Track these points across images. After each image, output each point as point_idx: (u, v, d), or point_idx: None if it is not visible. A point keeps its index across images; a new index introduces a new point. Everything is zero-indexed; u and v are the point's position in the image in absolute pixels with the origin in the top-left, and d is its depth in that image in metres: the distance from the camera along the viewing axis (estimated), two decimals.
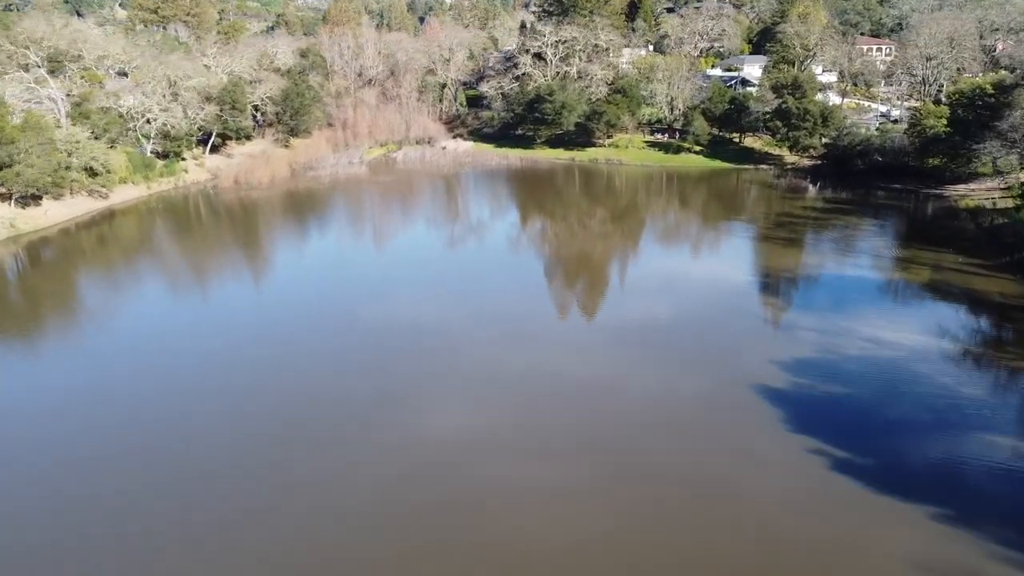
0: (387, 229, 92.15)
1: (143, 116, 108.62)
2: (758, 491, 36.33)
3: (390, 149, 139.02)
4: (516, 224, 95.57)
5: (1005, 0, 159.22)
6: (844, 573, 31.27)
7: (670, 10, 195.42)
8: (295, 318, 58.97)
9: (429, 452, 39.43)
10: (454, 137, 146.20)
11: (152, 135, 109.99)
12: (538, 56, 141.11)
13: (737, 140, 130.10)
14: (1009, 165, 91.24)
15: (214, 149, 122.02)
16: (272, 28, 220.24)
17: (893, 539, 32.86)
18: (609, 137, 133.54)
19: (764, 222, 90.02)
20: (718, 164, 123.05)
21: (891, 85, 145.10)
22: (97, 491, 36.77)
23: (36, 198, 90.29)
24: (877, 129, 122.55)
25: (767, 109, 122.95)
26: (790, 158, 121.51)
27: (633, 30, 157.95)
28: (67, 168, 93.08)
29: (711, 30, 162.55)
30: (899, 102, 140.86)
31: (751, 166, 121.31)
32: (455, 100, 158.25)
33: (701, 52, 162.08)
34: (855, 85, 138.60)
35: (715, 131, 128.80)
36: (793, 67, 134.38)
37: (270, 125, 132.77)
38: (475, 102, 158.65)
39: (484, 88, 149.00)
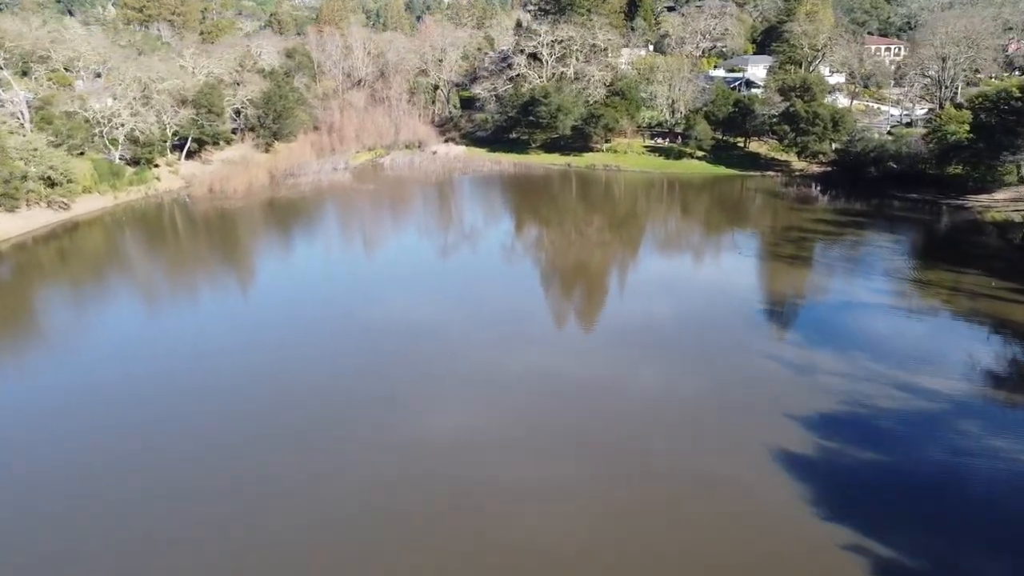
0: (363, 245, 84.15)
1: (110, 121, 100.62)
2: None
3: (379, 154, 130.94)
4: (507, 237, 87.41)
5: None
6: None
7: (670, 9, 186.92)
8: (248, 354, 51.20)
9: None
10: (446, 141, 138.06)
11: (121, 141, 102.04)
12: (533, 56, 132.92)
13: (742, 145, 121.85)
14: None
15: (190, 155, 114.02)
16: (265, 27, 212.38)
17: None
18: (607, 141, 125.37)
19: (772, 237, 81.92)
20: (722, 170, 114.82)
21: (902, 87, 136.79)
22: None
23: None
24: (889, 133, 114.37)
25: (774, 112, 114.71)
26: (798, 164, 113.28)
27: (632, 29, 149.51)
28: (23, 178, 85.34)
29: (713, 29, 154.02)
30: (911, 104, 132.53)
31: (757, 173, 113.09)
32: (448, 102, 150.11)
33: (703, 52, 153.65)
34: (866, 87, 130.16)
35: (718, 135, 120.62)
36: (800, 68, 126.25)
37: (252, 129, 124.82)
38: (469, 104, 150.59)
39: (477, 90, 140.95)
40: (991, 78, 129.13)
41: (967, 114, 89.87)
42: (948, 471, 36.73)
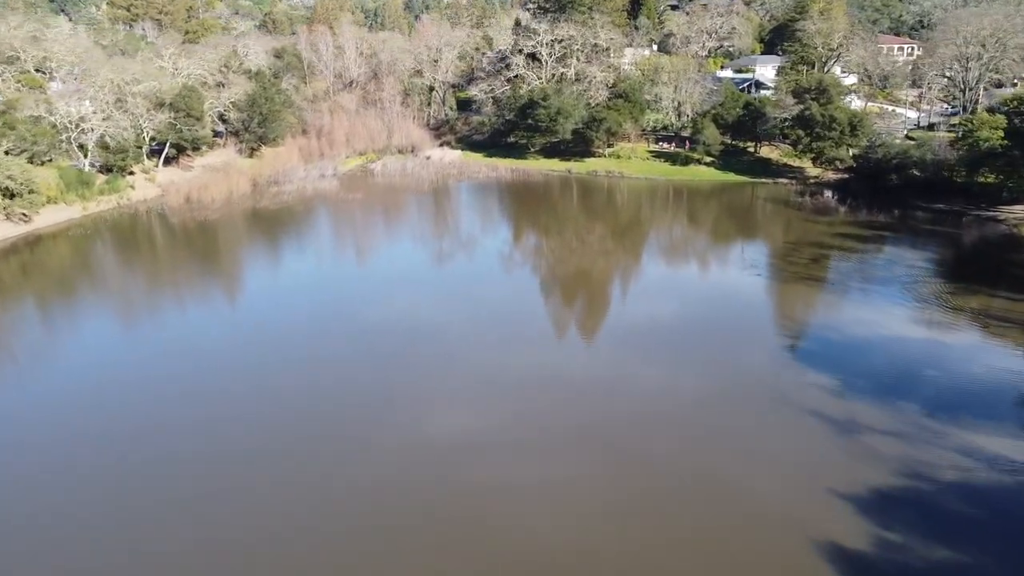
0: (342, 264, 76.13)
1: (77, 126, 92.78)
2: None
3: (370, 159, 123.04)
4: (503, 252, 79.31)
5: None
6: None
7: (674, 7, 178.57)
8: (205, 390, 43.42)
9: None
10: (440, 145, 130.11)
11: (91, 147, 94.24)
12: (532, 57, 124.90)
13: (752, 150, 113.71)
14: None
15: (168, 161, 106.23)
16: (261, 27, 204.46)
17: None
18: (610, 146, 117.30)
19: (788, 253, 73.73)
20: (731, 177, 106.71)
21: (918, 88, 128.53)
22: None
23: None
24: (909, 138, 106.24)
25: (786, 116, 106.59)
26: (812, 171, 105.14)
27: (636, 28, 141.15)
28: None
29: (720, 28, 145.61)
30: (928, 107, 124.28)
31: (768, 180, 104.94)
32: (443, 104, 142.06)
33: (709, 52, 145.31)
34: (883, 89, 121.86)
35: (727, 140, 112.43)
36: (813, 68, 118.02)
37: (235, 134, 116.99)
38: (466, 105, 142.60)
39: (474, 91, 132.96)
40: (1014, 81, 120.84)
41: (1001, 119, 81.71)
42: None
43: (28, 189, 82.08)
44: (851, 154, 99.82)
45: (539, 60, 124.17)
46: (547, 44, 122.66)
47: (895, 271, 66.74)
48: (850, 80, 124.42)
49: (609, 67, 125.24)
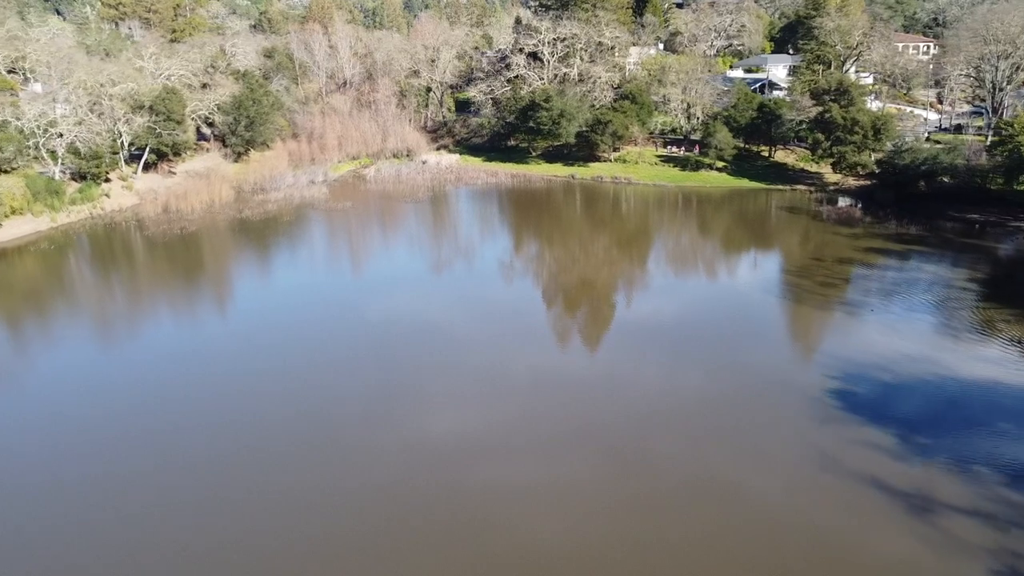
0: (317, 288, 68.49)
1: (46, 131, 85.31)
2: None
3: (363, 163, 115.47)
4: (501, 274, 71.73)
5: None
6: None
7: (679, 5, 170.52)
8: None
9: None
10: (438, 148, 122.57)
11: (61, 154, 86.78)
12: (534, 56, 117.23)
13: (766, 154, 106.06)
14: None
15: (148, 167, 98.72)
16: (255, 27, 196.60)
17: None
18: (615, 150, 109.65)
19: (814, 271, 65.85)
20: (745, 183, 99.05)
21: (938, 88, 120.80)
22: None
23: None
24: (936, 141, 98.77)
25: (803, 118, 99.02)
26: (832, 177, 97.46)
27: (642, 26, 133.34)
28: None
29: (729, 26, 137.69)
30: (949, 108, 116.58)
31: (785, 187, 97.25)
32: (441, 105, 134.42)
33: (718, 51, 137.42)
34: (907, 91, 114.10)
35: (739, 144, 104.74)
36: (829, 68, 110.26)
37: (221, 138, 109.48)
38: (465, 106, 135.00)
39: (472, 92, 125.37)
40: None
41: None
42: None
43: None
44: (874, 159, 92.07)
45: (541, 60, 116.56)
46: (549, 43, 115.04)
47: (937, 293, 59.03)
48: (865, 80, 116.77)
49: (614, 67, 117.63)
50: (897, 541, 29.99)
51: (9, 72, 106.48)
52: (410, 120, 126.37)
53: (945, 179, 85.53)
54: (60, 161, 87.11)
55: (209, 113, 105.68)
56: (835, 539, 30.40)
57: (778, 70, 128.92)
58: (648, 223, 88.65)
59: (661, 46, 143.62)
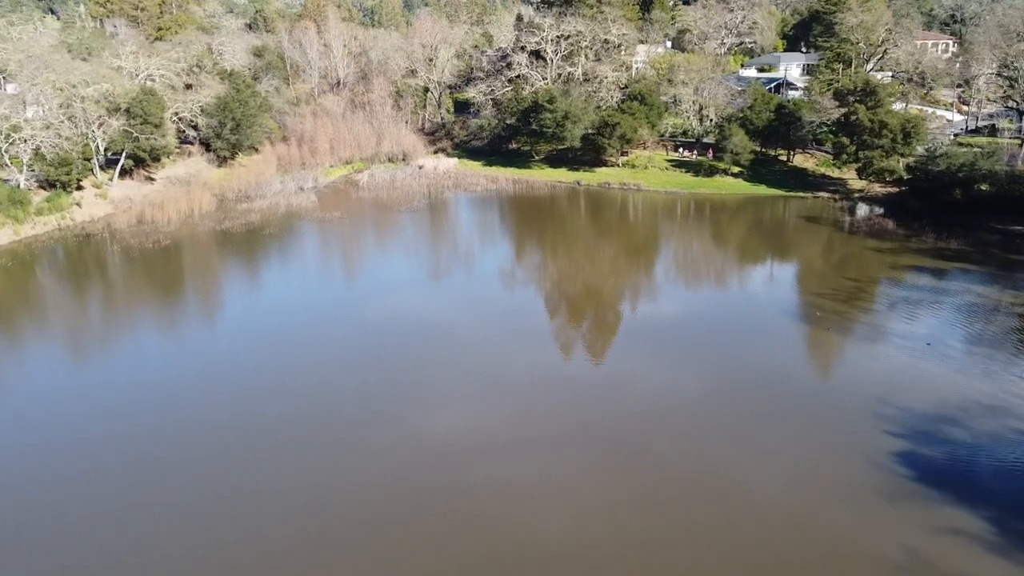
0: (287, 323, 60.61)
1: (8, 136, 77.52)
2: None
3: (357, 168, 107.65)
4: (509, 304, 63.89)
5: None
6: None
7: (686, 2, 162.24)
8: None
9: None
10: (435, 152, 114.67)
11: (26, 161, 79.01)
12: (536, 55, 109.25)
13: (784, 159, 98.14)
14: None
15: (125, 173, 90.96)
16: (250, 26, 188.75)
17: None
18: (623, 155, 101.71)
19: (852, 294, 57.84)
20: (762, 190, 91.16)
21: (957, 87, 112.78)
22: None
23: None
24: (959, 143, 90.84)
25: (825, 120, 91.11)
26: (856, 183, 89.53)
27: (651, 23, 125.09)
28: None
29: (740, 23, 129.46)
30: (975, 109, 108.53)
31: (806, 194, 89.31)
32: (439, 106, 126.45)
33: (729, 49, 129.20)
34: (928, 91, 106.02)
35: (756, 147, 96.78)
36: (848, 66, 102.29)
37: (206, 141, 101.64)
38: (464, 107, 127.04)
39: (472, 93, 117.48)
40: None
41: None
42: None
43: None
44: (903, 164, 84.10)
45: (544, 58, 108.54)
46: (552, 41, 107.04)
47: (1000, 323, 51.14)
48: (884, 79, 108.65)
49: (621, 66, 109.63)
50: None
51: None
52: (406, 122, 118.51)
53: (983, 187, 77.56)
54: (26, 168, 79.41)
55: (192, 115, 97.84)
56: None
57: (792, 69, 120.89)
58: (660, 235, 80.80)
59: (669, 44, 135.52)
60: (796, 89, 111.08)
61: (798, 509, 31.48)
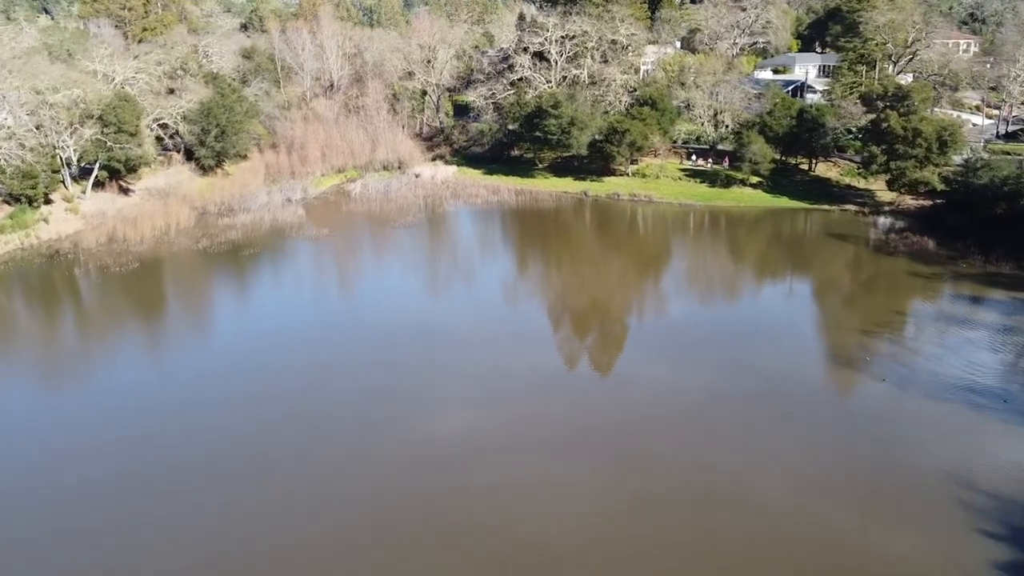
0: (250, 373, 52.90)
1: None
2: None
3: (350, 176, 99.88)
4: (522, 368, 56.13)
5: None
6: None
7: (694, 0, 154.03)
8: None
9: None
10: (433, 159, 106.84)
11: None
12: (539, 56, 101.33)
13: (806, 168, 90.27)
14: None
15: (100, 185, 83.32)
16: (244, 26, 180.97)
17: None
18: (633, 163, 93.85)
19: (897, 330, 50.38)
20: (784, 202, 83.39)
21: (979, 89, 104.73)
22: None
23: None
24: (990, 149, 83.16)
25: (851, 127, 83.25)
26: (885, 195, 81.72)
27: (664, 22, 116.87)
28: None
29: (753, 22, 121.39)
30: (1005, 113, 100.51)
31: (831, 206, 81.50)
32: (438, 110, 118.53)
33: (741, 49, 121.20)
34: (952, 93, 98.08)
35: (776, 156, 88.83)
36: (872, 68, 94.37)
37: (189, 149, 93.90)
38: (464, 111, 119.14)
39: (472, 96, 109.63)
40: None
41: None
42: None
43: None
44: (937, 175, 76.13)
45: (547, 60, 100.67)
46: (556, 41, 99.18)
47: None
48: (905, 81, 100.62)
49: (630, 67, 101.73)
50: None
51: None
52: (403, 127, 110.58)
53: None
54: None
55: (174, 122, 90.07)
56: None
57: (808, 71, 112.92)
58: (672, 253, 73.03)
59: (678, 44, 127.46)
60: (815, 92, 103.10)
61: None
